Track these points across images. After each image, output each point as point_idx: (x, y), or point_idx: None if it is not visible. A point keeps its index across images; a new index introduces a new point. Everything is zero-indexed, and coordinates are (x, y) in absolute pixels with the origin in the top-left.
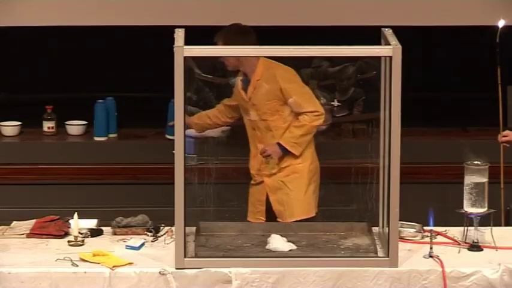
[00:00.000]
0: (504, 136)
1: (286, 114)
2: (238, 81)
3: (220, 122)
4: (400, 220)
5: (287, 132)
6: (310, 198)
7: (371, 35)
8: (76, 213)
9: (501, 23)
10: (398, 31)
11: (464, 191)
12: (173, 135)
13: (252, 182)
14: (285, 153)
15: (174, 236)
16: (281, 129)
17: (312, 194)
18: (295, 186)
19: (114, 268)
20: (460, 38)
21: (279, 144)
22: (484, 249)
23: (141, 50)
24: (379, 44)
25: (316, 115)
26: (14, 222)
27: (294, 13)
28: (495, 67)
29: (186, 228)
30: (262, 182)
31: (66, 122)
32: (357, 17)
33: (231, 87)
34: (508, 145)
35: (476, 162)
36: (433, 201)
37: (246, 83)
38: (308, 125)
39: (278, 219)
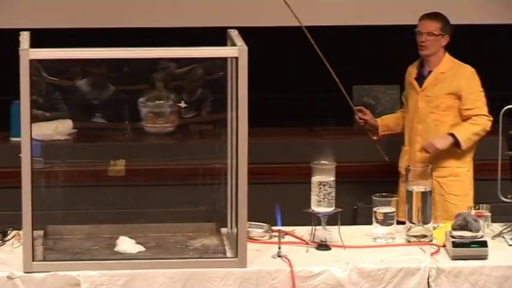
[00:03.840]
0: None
1: (456, 112)
2: (408, 75)
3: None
4: (248, 220)
5: (460, 127)
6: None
7: (217, 35)
8: None
9: None
10: (243, 32)
11: (312, 191)
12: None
13: (402, 179)
14: (455, 146)
15: (21, 240)
16: (447, 125)
17: (471, 202)
18: (454, 190)
19: None
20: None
21: (451, 135)
22: (332, 248)
23: None
24: (225, 44)
25: (489, 120)
26: None
27: (142, 14)
28: (339, 67)
29: (34, 231)
30: None
31: None
32: (204, 18)
33: (77, 90)
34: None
35: (323, 161)
36: (280, 201)
37: (423, 73)
38: (483, 127)
39: None
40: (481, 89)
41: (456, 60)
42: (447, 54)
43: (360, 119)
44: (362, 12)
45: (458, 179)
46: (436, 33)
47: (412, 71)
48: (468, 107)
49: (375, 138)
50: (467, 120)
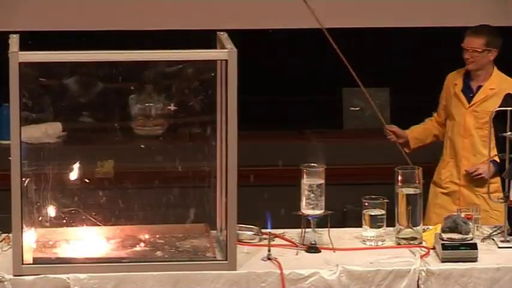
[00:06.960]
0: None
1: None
2: (451, 83)
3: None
4: (238, 223)
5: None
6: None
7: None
8: None
9: None
10: (232, 34)
11: (302, 193)
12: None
13: (442, 190)
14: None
15: (11, 243)
16: (493, 141)
17: None
18: (498, 206)
19: None
20: (297, 42)
21: (493, 162)
22: (322, 250)
23: None
24: (215, 47)
25: None
26: None
27: (131, 17)
28: (330, 70)
29: (24, 234)
30: (453, 191)
31: None
32: (194, 21)
33: (67, 92)
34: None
35: (312, 164)
36: (270, 203)
37: (470, 87)
38: None
39: None
40: None
41: (503, 75)
42: (496, 69)
43: (388, 131)
44: (353, 14)
45: (500, 194)
46: (480, 50)
47: (456, 80)
48: None
49: (406, 151)
50: None
